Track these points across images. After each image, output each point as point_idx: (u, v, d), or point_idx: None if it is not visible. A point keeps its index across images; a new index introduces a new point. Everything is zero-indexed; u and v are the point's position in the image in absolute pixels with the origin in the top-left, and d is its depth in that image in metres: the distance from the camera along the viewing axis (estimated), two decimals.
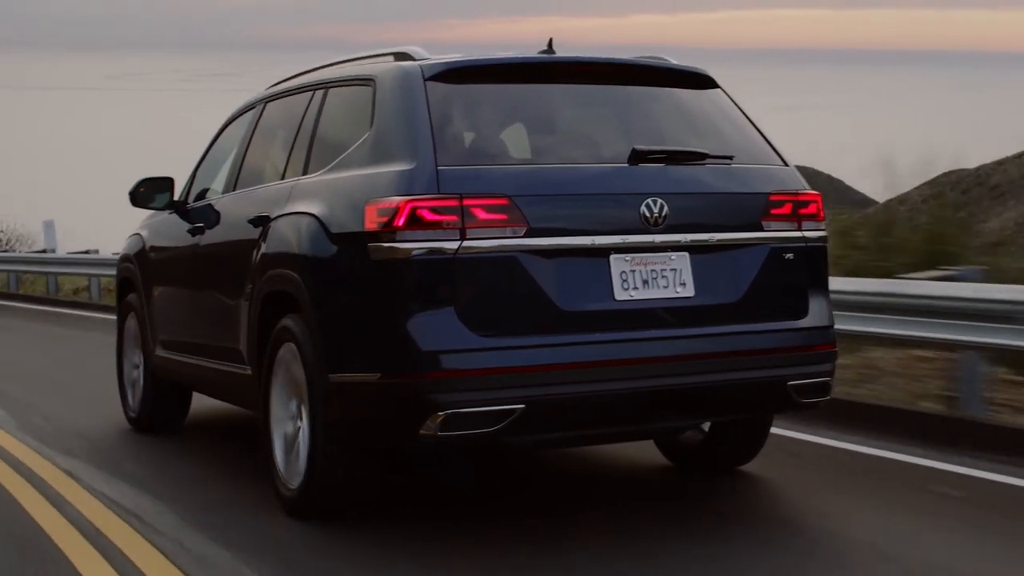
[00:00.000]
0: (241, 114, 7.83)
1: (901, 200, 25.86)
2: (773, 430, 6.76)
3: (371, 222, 5.44)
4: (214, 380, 7.25)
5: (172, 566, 5.35)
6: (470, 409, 5.24)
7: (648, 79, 6.27)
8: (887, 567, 5.30)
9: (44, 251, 23.31)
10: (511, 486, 6.82)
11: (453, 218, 5.32)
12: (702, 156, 5.87)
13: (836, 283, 8.11)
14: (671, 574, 5.23)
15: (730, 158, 5.97)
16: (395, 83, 5.86)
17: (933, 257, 10.23)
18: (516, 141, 5.95)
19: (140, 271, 8.42)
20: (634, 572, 5.21)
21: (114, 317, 9.18)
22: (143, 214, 8.58)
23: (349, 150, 5.98)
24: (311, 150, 6.45)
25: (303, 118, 6.68)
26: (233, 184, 7.36)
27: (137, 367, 8.56)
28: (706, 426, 6.72)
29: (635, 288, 5.56)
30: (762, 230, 5.88)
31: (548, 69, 6.11)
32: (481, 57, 6.06)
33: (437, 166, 5.41)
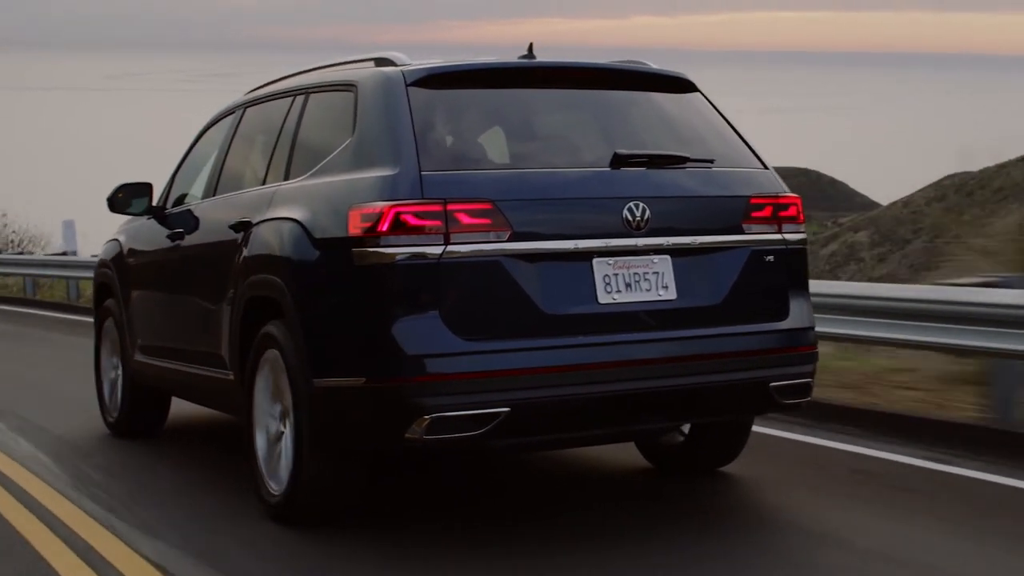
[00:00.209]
0: (219, 120, 7.83)
1: (905, 203, 26.00)
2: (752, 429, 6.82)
3: (355, 227, 5.46)
4: (195, 385, 7.25)
5: (157, 572, 5.34)
6: (455, 413, 5.26)
7: (628, 83, 6.31)
8: (869, 564, 5.34)
9: (64, 253, 21.13)
10: (494, 490, 6.84)
11: (437, 223, 5.35)
12: (683, 160, 5.91)
13: (877, 289, 8.17)
14: (658, 572, 5.26)
15: (711, 161, 6.01)
16: (377, 88, 5.88)
17: None
18: (498, 146, 5.98)
19: (118, 277, 8.41)
20: (620, 573, 5.23)
21: None
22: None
23: (331, 155, 6.00)
24: (292, 155, 6.46)
25: (284, 123, 6.69)
26: (213, 189, 7.36)
27: (115, 372, 8.55)
28: (686, 428, 6.77)
29: (618, 291, 5.60)
30: (743, 233, 5.92)
31: (529, 74, 6.14)
32: (462, 62, 6.09)
33: (420, 171, 5.43)
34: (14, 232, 28.59)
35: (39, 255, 24.08)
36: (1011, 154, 24.73)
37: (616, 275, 5.61)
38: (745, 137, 6.30)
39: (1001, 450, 7.28)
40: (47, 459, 7.72)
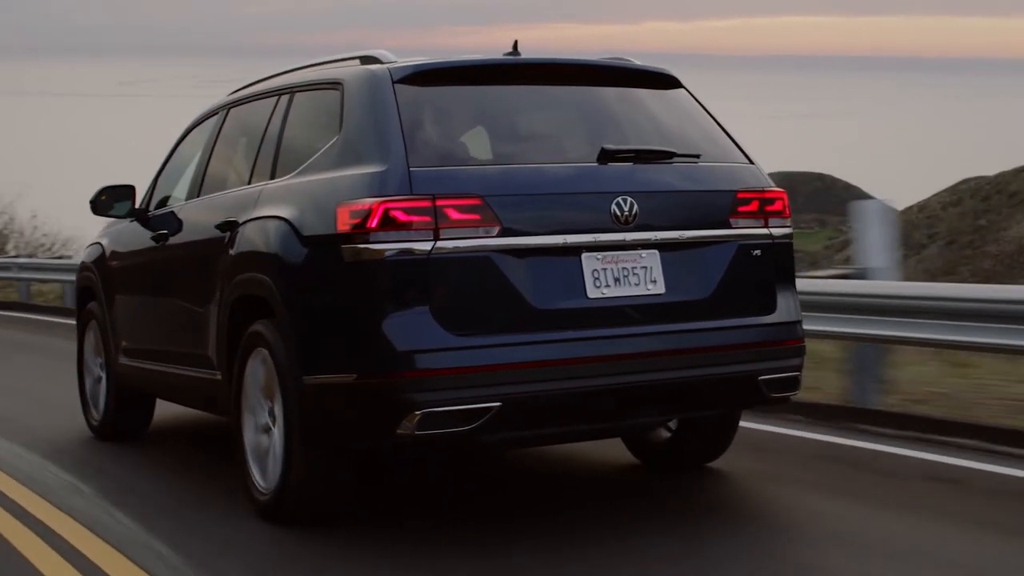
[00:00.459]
0: (202, 121, 7.82)
1: (920, 207, 26.12)
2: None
3: (343, 224, 5.46)
4: (182, 386, 7.23)
5: (144, 574, 5.31)
6: (446, 408, 5.27)
7: (614, 80, 6.34)
8: (866, 560, 5.37)
9: None
10: (483, 487, 6.85)
11: (426, 219, 5.35)
12: (670, 155, 5.94)
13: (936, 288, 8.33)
14: (647, 569, 5.27)
15: (697, 156, 6.04)
16: (364, 86, 5.89)
17: None
18: (486, 142, 5.99)
19: (101, 280, 8.39)
20: (612, 568, 5.25)
21: None
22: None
23: (318, 153, 6.00)
24: (278, 155, 6.46)
25: (269, 123, 6.69)
26: (197, 191, 7.34)
27: (99, 375, 8.53)
28: (673, 424, 6.79)
29: (607, 286, 5.62)
30: (730, 227, 5.95)
31: (515, 70, 6.16)
32: (448, 59, 6.10)
33: (409, 167, 5.44)
34: (44, 235, 28.26)
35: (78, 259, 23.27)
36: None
37: (605, 270, 5.62)
38: (730, 133, 6.33)
39: None
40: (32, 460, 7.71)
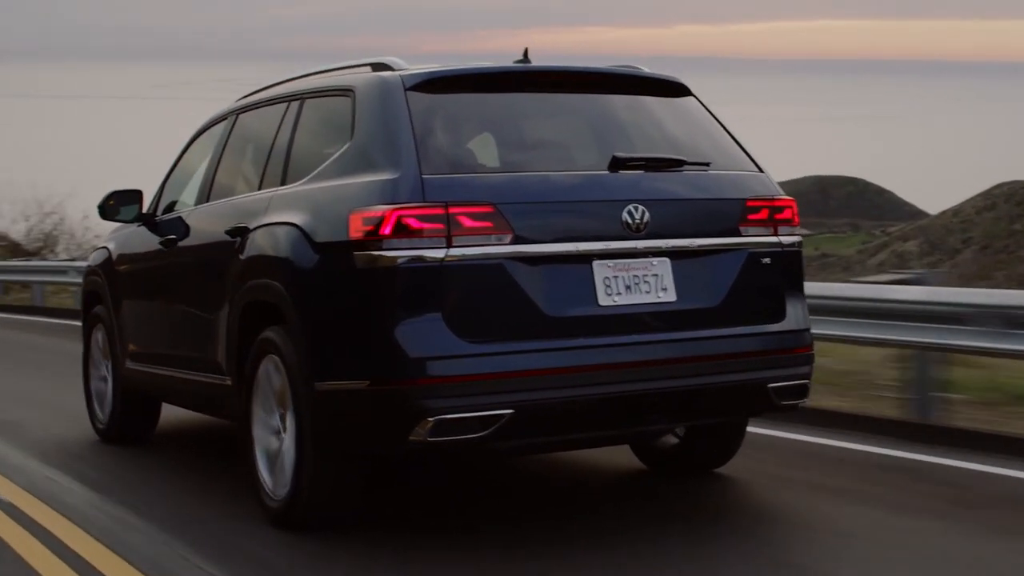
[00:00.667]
0: (210, 127, 7.83)
1: (954, 212, 26.10)
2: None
3: (356, 231, 5.48)
4: (190, 391, 7.25)
5: None
6: (459, 415, 5.29)
7: (624, 87, 6.37)
8: (869, 560, 5.40)
9: None
10: (491, 492, 6.87)
11: (439, 226, 5.37)
12: (680, 163, 5.97)
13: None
14: (659, 571, 5.30)
15: (707, 165, 6.07)
16: (376, 93, 5.91)
17: None
18: (497, 149, 6.01)
19: (108, 284, 8.40)
20: (622, 571, 5.27)
21: None
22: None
23: (329, 160, 6.01)
24: (289, 161, 6.47)
25: (279, 129, 6.70)
26: (206, 196, 7.36)
27: (105, 379, 8.54)
28: (681, 429, 6.81)
29: (618, 293, 5.64)
30: (740, 235, 5.98)
31: (526, 78, 6.18)
32: (460, 67, 6.12)
33: (422, 175, 5.46)
34: (96, 236, 28.12)
35: None
36: None
37: (616, 277, 5.65)
38: (740, 141, 6.37)
39: None
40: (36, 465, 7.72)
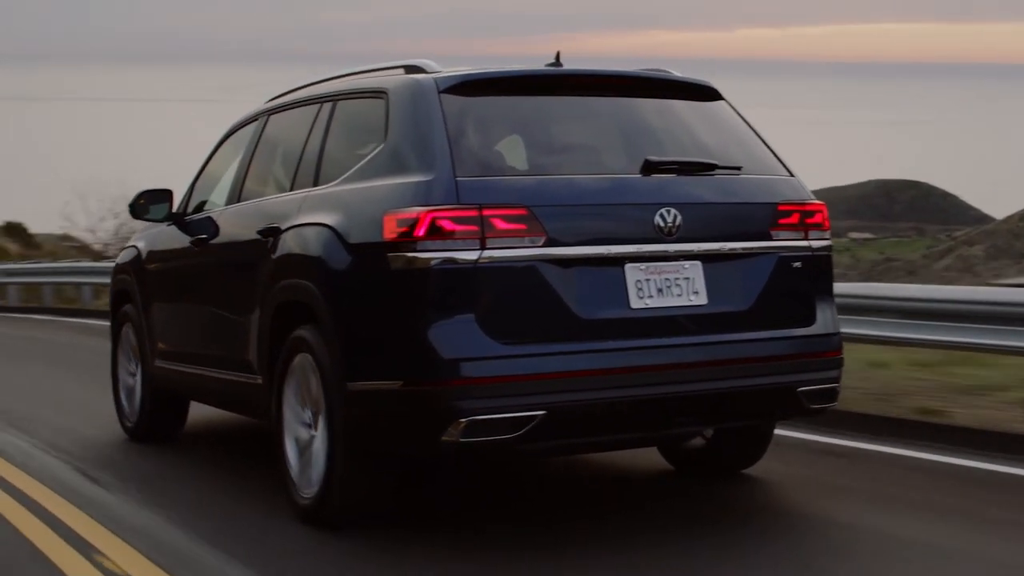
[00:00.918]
0: (240, 127, 7.88)
1: (1021, 216, 25.86)
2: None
3: (390, 232, 5.52)
4: (220, 390, 7.29)
5: None
6: (492, 416, 5.33)
7: (655, 91, 6.39)
8: (896, 560, 5.41)
9: None
10: (521, 495, 6.90)
11: (473, 228, 5.41)
12: (712, 167, 6.00)
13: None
14: (689, 573, 5.33)
15: (738, 169, 6.09)
16: (410, 95, 5.94)
17: None
18: (530, 152, 6.04)
19: (137, 283, 8.46)
20: (646, 572, 5.31)
21: None
22: None
23: (362, 162, 6.05)
24: (321, 162, 6.51)
25: (311, 130, 6.74)
26: (236, 196, 7.39)
27: (133, 377, 8.60)
28: (709, 431, 6.84)
29: (650, 296, 5.67)
30: (771, 239, 6.00)
31: (559, 81, 6.22)
32: (493, 70, 6.15)
33: (456, 177, 5.49)
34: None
35: None
36: None
37: (648, 280, 5.68)
38: (770, 145, 6.38)
39: None
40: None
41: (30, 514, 6.46)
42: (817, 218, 6.18)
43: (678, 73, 6.57)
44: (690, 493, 6.70)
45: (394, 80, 6.18)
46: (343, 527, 5.95)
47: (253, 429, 8.49)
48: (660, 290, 5.70)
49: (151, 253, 8.36)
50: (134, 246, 8.70)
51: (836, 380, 6.11)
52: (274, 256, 6.41)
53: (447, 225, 5.40)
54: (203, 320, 7.51)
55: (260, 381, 6.62)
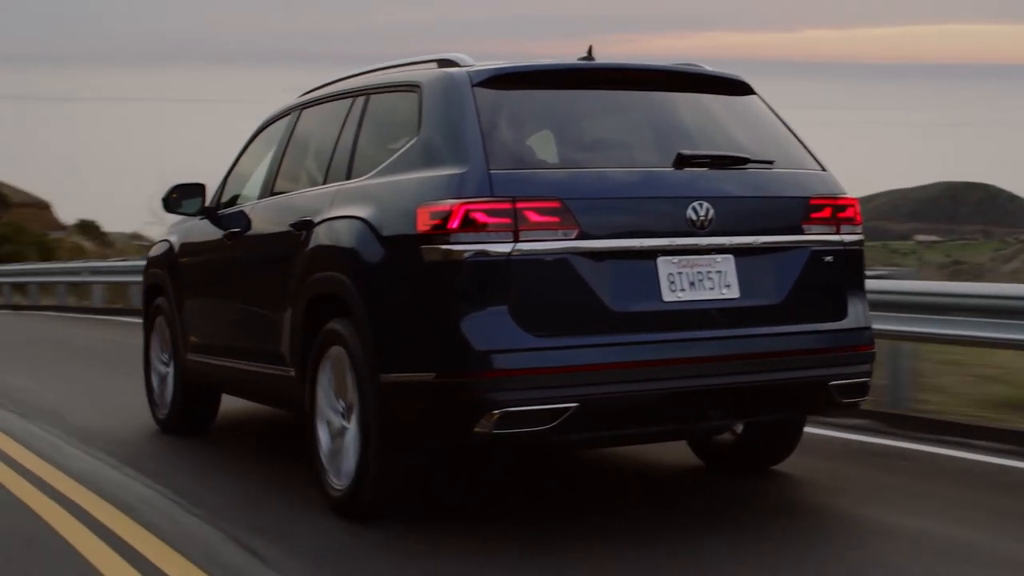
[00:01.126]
0: (273, 122, 7.92)
1: None
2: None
3: (424, 224, 5.54)
4: (253, 382, 7.34)
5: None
6: (525, 407, 5.34)
7: (687, 85, 6.40)
8: (927, 557, 5.42)
9: None
10: (554, 487, 6.92)
11: (506, 220, 5.43)
12: (744, 161, 6.00)
13: None
14: (711, 569, 5.33)
15: (771, 163, 6.10)
16: (443, 89, 5.97)
17: None
18: (563, 145, 6.06)
19: (170, 276, 8.52)
20: (669, 568, 5.31)
21: None
22: None
23: (396, 155, 6.08)
24: (354, 155, 6.54)
25: (344, 124, 6.77)
26: (269, 190, 7.44)
27: (166, 370, 8.66)
28: (738, 426, 6.85)
29: (682, 289, 5.69)
30: (803, 233, 6.01)
31: (590, 75, 6.23)
32: (525, 63, 6.17)
33: (489, 170, 5.52)
34: None
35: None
36: None
37: (680, 273, 5.69)
38: (802, 139, 6.39)
39: None
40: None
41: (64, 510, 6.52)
42: (849, 212, 6.18)
43: (710, 67, 6.58)
44: (716, 489, 6.70)
45: (427, 74, 6.21)
46: (375, 518, 5.98)
47: (284, 422, 8.55)
48: (692, 283, 5.71)
49: (184, 247, 8.41)
50: (167, 240, 8.76)
51: (868, 374, 6.11)
52: (307, 249, 6.45)
53: (480, 217, 5.42)
54: (235, 313, 7.56)
55: (293, 374, 6.66)
